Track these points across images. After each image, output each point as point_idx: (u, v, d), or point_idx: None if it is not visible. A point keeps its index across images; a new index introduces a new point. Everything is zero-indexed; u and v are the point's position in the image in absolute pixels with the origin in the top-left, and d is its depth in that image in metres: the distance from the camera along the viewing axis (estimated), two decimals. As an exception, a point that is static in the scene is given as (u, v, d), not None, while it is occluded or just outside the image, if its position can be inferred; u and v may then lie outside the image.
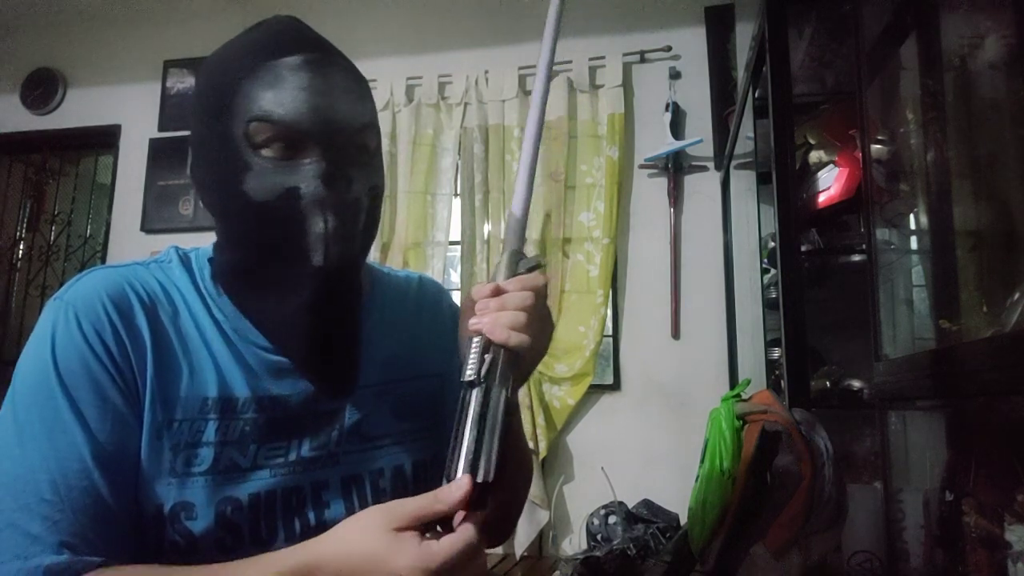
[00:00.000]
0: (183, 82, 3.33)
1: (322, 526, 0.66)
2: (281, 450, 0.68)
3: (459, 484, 0.54)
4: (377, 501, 0.70)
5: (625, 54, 2.82)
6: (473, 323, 0.61)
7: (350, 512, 0.68)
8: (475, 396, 0.56)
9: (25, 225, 3.63)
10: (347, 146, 0.65)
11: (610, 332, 2.75)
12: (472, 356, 0.57)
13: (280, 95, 0.62)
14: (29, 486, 0.57)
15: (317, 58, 0.64)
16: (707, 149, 2.74)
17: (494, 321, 0.59)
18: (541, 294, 0.63)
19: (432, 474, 0.76)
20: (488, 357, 0.57)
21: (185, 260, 0.72)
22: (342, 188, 0.64)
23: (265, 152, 0.63)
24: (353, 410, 0.72)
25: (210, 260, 0.72)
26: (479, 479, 0.53)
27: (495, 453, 0.54)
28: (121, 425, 0.61)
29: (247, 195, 0.63)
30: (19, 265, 3.58)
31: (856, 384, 1.78)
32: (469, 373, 0.57)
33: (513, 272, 0.64)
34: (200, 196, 0.71)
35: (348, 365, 0.71)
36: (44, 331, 0.63)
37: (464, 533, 0.52)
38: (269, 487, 0.66)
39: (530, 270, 0.63)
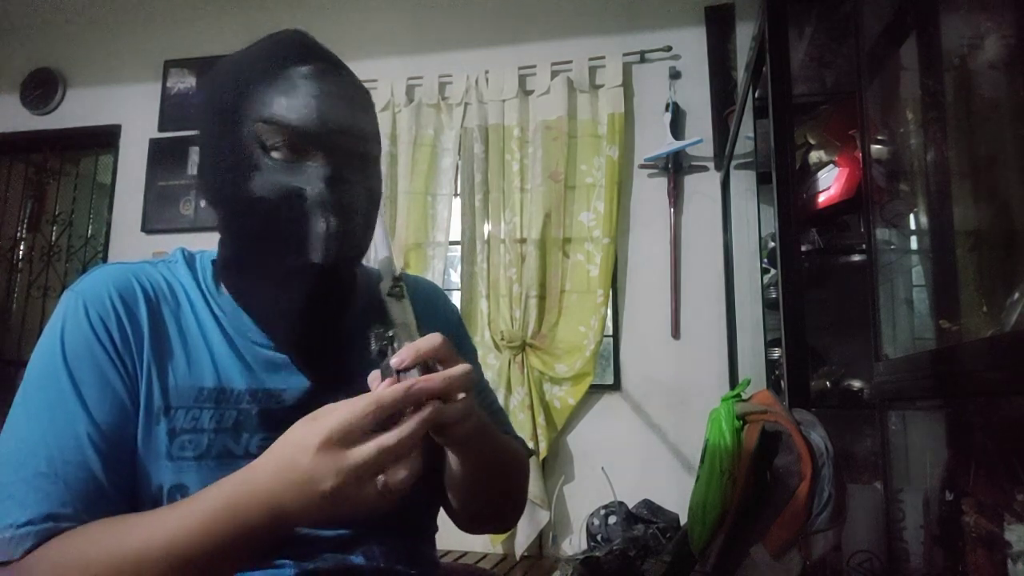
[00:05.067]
0: (183, 82, 3.33)
1: None
2: (273, 440, 0.69)
3: (371, 378, 0.58)
4: None
5: (625, 54, 2.82)
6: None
7: None
8: (388, 353, 0.60)
9: (26, 225, 3.63)
10: (350, 152, 0.69)
11: (610, 332, 2.75)
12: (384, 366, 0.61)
13: (292, 101, 0.66)
14: (29, 460, 0.61)
15: (327, 68, 0.69)
16: (707, 149, 2.74)
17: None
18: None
19: (428, 474, 0.77)
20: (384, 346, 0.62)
21: (190, 261, 0.77)
22: (344, 191, 0.68)
23: (274, 154, 0.67)
24: None
25: (213, 262, 0.77)
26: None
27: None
28: (119, 408, 0.65)
29: (254, 193, 0.67)
30: (20, 266, 3.59)
31: (856, 384, 1.78)
32: (374, 350, 0.62)
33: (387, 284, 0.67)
34: (206, 195, 0.74)
35: (340, 359, 0.73)
36: (56, 319, 0.68)
37: (360, 400, 0.54)
38: None
39: (396, 281, 0.66)
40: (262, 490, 0.55)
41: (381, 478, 0.53)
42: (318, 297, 0.68)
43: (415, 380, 0.55)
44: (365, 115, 0.71)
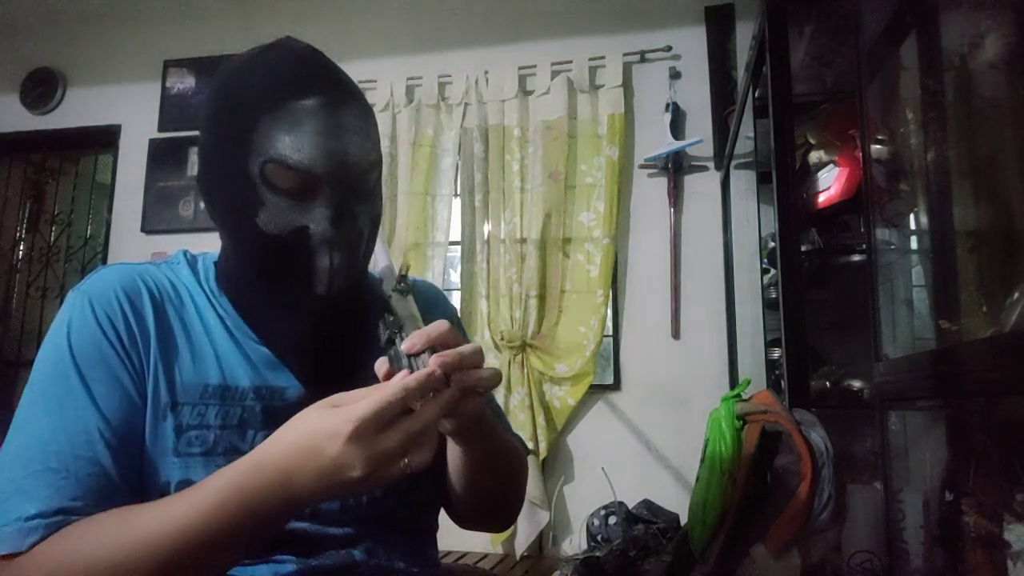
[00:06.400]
0: (183, 82, 3.33)
1: (315, 513, 0.70)
2: None
3: (378, 364, 0.59)
4: (371, 497, 0.73)
5: (625, 54, 2.82)
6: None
7: (343, 503, 0.72)
8: (396, 341, 0.61)
9: (25, 225, 3.62)
10: (355, 187, 0.69)
11: (610, 332, 2.75)
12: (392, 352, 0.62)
13: (298, 140, 0.65)
14: (39, 455, 0.61)
15: (334, 99, 0.67)
16: (707, 149, 2.74)
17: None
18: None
19: (431, 472, 0.77)
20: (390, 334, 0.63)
21: (192, 262, 0.78)
22: (348, 227, 0.68)
23: (279, 190, 0.66)
24: None
25: (215, 264, 0.77)
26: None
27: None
28: (127, 403, 0.66)
29: (259, 228, 0.67)
30: (19, 266, 3.58)
31: (856, 384, 1.78)
32: (383, 339, 0.63)
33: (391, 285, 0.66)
34: (207, 208, 0.74)
35: (340, 364, 0.74)
36: (63, 317, 0.68)
37: (381, 390, 0.55)
38: None
39: (401, 278, 0.66)
40: (275, 474, 0.55)
41: (404, 460, 0.55)
42: (321, 325, 0.70)
43: (433, 368, 0.56)
44: (369, 143, 0.70)
